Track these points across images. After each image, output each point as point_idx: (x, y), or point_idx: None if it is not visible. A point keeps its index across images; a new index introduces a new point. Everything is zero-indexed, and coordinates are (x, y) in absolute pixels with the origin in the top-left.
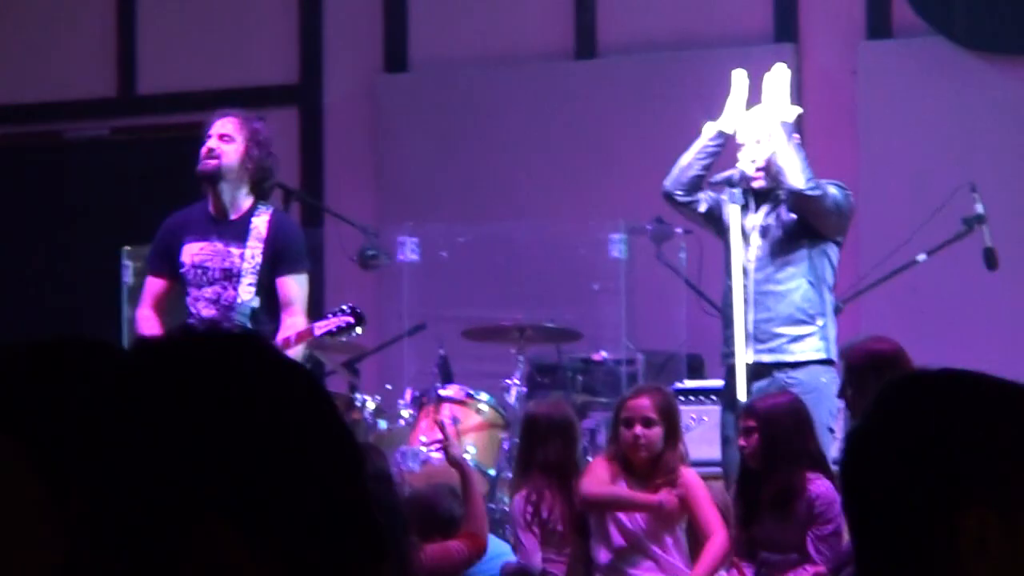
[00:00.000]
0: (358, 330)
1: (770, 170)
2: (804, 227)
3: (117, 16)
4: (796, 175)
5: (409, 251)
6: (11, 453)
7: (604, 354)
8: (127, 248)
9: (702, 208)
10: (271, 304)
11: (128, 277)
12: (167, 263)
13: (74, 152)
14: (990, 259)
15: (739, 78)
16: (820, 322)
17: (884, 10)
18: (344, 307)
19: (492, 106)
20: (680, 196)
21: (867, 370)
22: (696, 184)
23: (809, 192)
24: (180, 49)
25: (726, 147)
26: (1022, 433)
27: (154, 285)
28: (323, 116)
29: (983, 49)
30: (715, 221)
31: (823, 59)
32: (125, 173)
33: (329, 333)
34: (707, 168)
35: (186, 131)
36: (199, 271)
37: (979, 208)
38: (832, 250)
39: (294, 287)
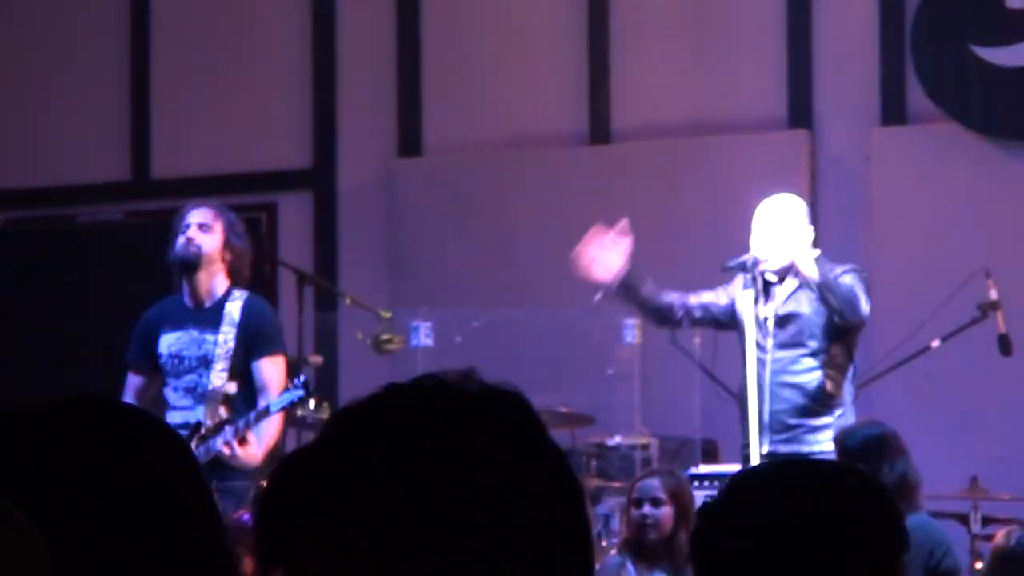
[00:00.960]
0: (310, 403)
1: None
2: (814, 313)
3: (132, 99)
4: (859, 307)
5: (423, 336)
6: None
7: (618, 439)
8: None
9: (717, 310)
10: (250, 390)
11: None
12: (146, 356)
13: (88, 236)
14: (1004, 345)
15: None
16: (838, 412)
17: (898, 96)
18: (295, 381)
19: (506, 191)
20: (693, 318)
21: (861, 455)
22: (698, 309)
23: (865, 316)
24: (194, 133)
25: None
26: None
27: (134, 380)
28: (337, 200)
29: (998, 135)
30: (729, 317)
31: (837, 145)
32: (138, 257)
33: (283, 408)
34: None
35: None
36: (176, 360)
37: (993, 294)
38: (851, 338)
39: (268, 369)
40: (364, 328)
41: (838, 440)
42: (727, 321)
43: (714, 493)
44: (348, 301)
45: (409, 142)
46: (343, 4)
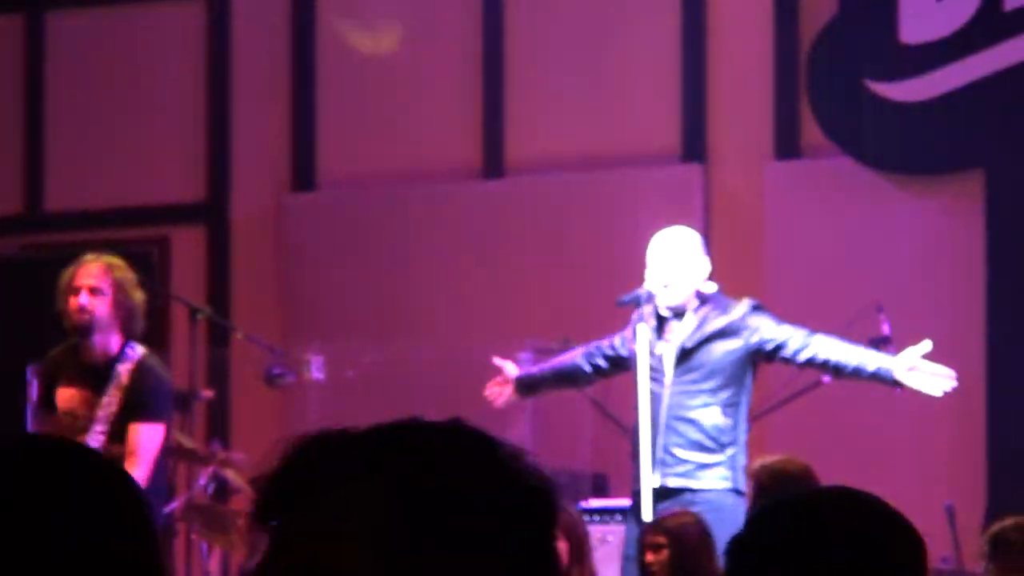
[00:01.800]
0: None
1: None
2: (723, 354)
3: (25, 133)
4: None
5: (315, 370)
6: None
7: None
8: (33, 366)
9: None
10: None
11: (35, 394)
12: (45, 406)
13: None
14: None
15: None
16: (730, 451)
17: (792, 130)
18: None
19: (399, 225)
20: (602, 369)
21: (776, 490)
22: (601, 359)
23: None
24: (89, 166)
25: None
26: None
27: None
28: (230, 234)
29: (891, 170)
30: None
31: (731, 179)
32: (32, 290)
33: None
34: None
35: (94, 249)
36: (69, 418)
37: (885, 329)
38: (748, 377)
39: (139, 436)
40: (257, 363)
41: (755, 475)
42: (631, 363)
43: (605, 527)
44: (240, 335)
45: (302, 176)
46: (237, 38)
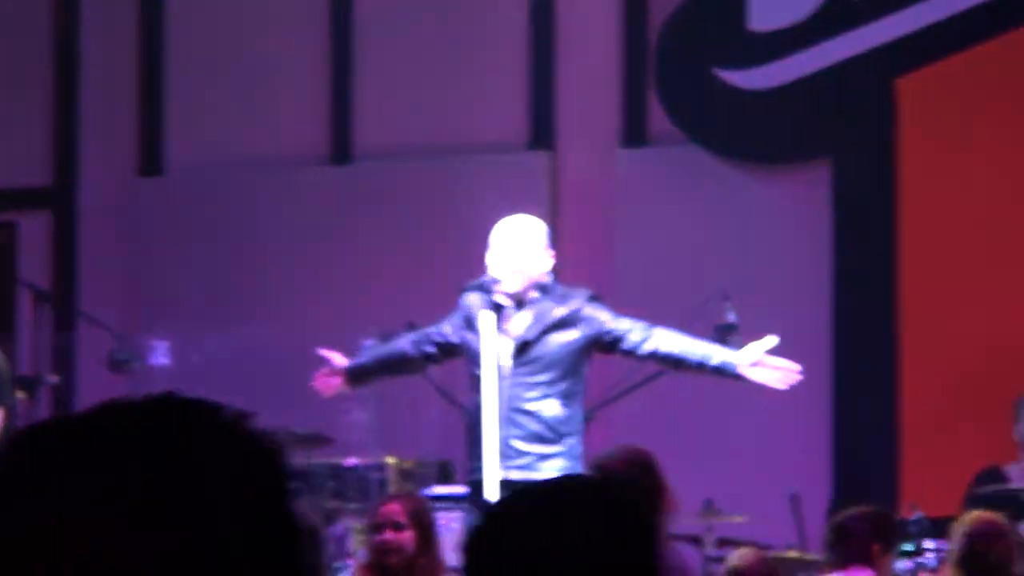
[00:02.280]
0: None
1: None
2: (561, 345)
3: None
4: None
5: (160, 355)
6: None
7: (354, 460)
8: None
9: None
10: None
11: None
12: None
13: None
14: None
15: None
16: (569, 442)
17: (640, 118)
18: None
19: (246, 210)
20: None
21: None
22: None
23: None
24: None
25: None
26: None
27: None
28: (77, 219)
29: (738, 158)
30: (462, 344)
31: (579, 167)
32: None
33: None
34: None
35: None
36: None
37: (731, 317)
38: (585, 366)
39: None
40: (102, 348)
41: (598, 464)
42: (461, 349)
43: (450, 514)
44: (86, 320)
45: (150, 161)
46: (86, 24)
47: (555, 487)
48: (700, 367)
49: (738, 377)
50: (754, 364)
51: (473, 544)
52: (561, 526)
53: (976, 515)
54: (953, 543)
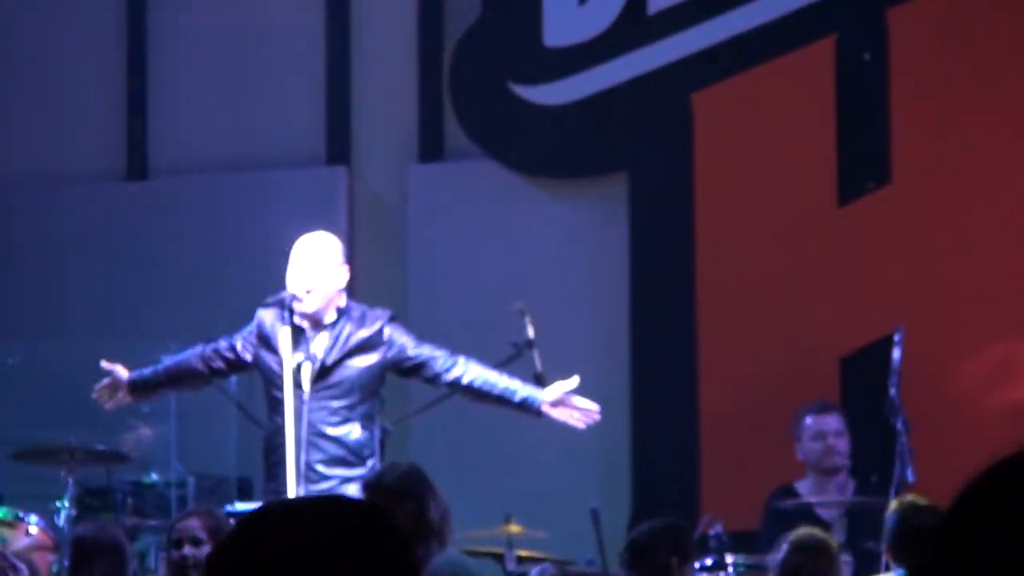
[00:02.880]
0: None
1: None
2: (362, 369)
3: None
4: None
5: None
6: None
7: (154, 476)
8: None
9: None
10: None
11: None
12: None
13: None
14: (540, 383)
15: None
16: (370, 463)
17: (436, 133)
18: None
19: (44, 225)
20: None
21: (404, 493)
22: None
23: None
24: None
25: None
26: None
27: None
28: None
29: (535, 173)
30: (253, 361)
31: (375, 182)
32: None
33: None
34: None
35: None
36: None
37: (529, 332)
38: (382, 386)
39: None
40: None
41: (370, 483)
42: (252, 365)
43: None
44: None
45: None
46: None
47: (314, 505)
48: (501, 401)
49: (539, 414)
50: (555, 403)
51: (217, 553)
52: (312, 543)
53: (802, 531)
54: (779, 558)
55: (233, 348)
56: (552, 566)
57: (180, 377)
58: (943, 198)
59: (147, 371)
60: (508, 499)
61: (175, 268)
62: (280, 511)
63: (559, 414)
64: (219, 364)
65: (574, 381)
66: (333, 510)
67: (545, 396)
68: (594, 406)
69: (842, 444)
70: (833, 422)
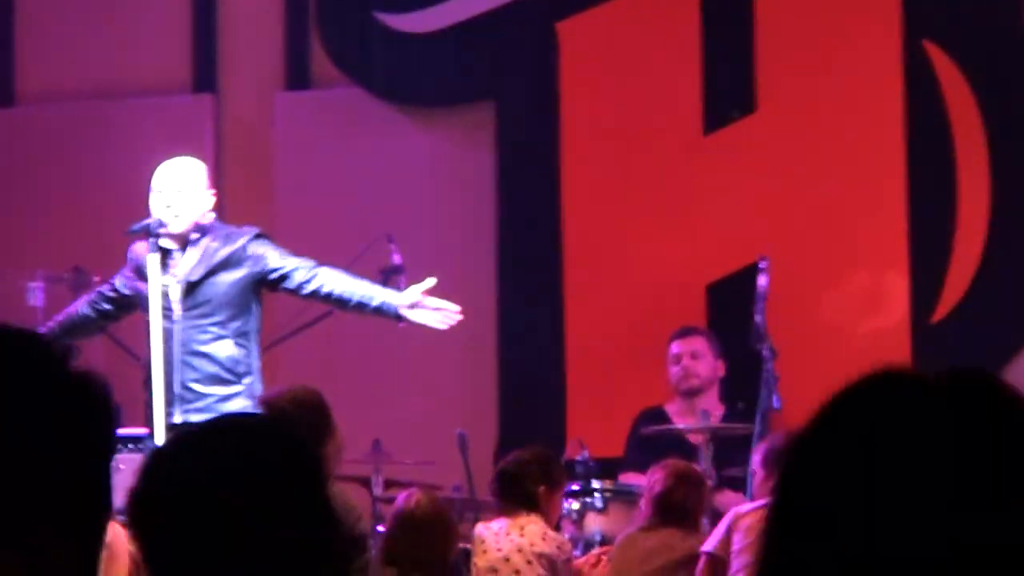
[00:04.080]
0: None
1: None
2: (230, 285)
3: None
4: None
5: None
6: None
7: None
8: None
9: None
10: None
11: None
12: None
13: None
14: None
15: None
16: (247, 380)
17: (302, 61)
18: None
19: None
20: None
21: (306, 419)
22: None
23: None
24: None
25: None
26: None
27: None
28: None
29: (401, 101)
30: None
31: (241, 110)
32: None
33: None
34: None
35: None
36: None
37: (396, 259)
38: (256, 305)
39: None
40: None
41: (266, 403)
42: (134, 299)
43: (116, 455)
44: None
45: None
46: None
47: (223, 425)
48: (361, 307)
49: (399, 317)
50: (414, 305)
51: (139, 482)
52: (228, 464)
53: (673, 463)
54: (649, 487)
55: (114, 287)
56: (419, 492)
57: (73, 327)
58: (808, 127)
59: (41, 330)
60: (375, 425)
61: (43, 197)
62: (188, 441)
63: (417, 316)
64: (106, 306)
65: (430, 282)
66: (242, 435)
67: (402, 299)
68: (454, 306)
69: (700, 366)
70: (690, 345)
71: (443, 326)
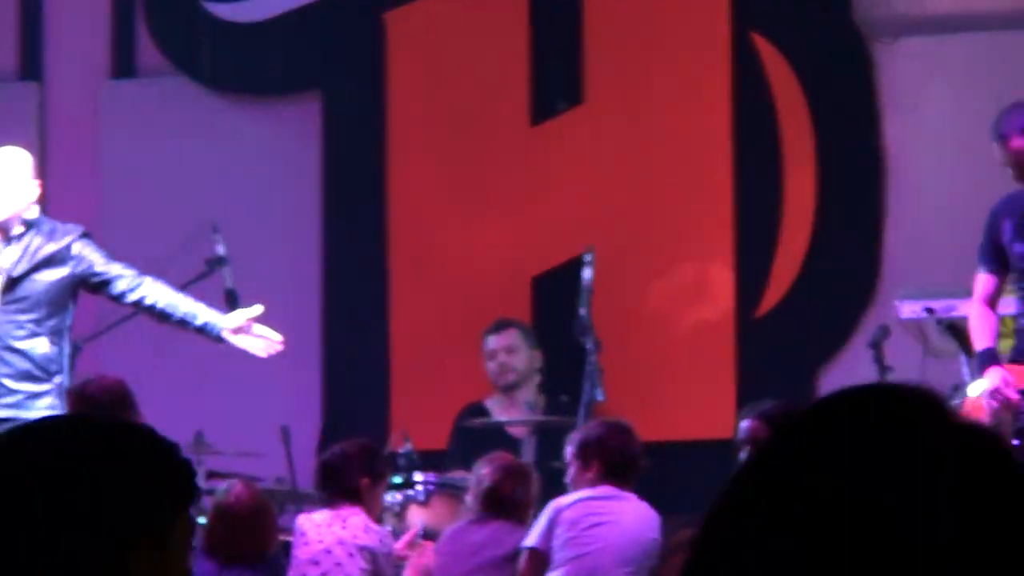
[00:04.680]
0: None
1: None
2: (51, 283)
3: None
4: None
5: None
6: None
7: None
8: None
9: None
10: None
11: None
12: None
13: None
14: (231, 300)
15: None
16: (57, 379)
17: (129, 49)
18: None
19: None
20: None
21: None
22: None
23: None
24: None
25: None
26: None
27: None
28: None
29: (228, 91)
30: None
31: (67, 99)
32: None
33: None
34: None
35: None
36: None
37: (220, 249)
38: (72, 304)
39: None
40: None
41: (78, 392)
42: None
43: None
44: None
45: None
46: None
47: (47, 427)
48: (183, 323)
49: (220, 340)
50: (238, 330)
51: None
52: (50, 467)
53: (500, 457)
54: (477, 482)
55: None
56: (241, 484)
57: None
58: (635, 119)
59: None
60: (198, 416)
61: None
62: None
63: (240, 341)
64: None
65: (257, 309)
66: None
67: (226, 323)
68: (277, 336)
69: (516, 360)
70: (505, 339)
71: (264, 354)
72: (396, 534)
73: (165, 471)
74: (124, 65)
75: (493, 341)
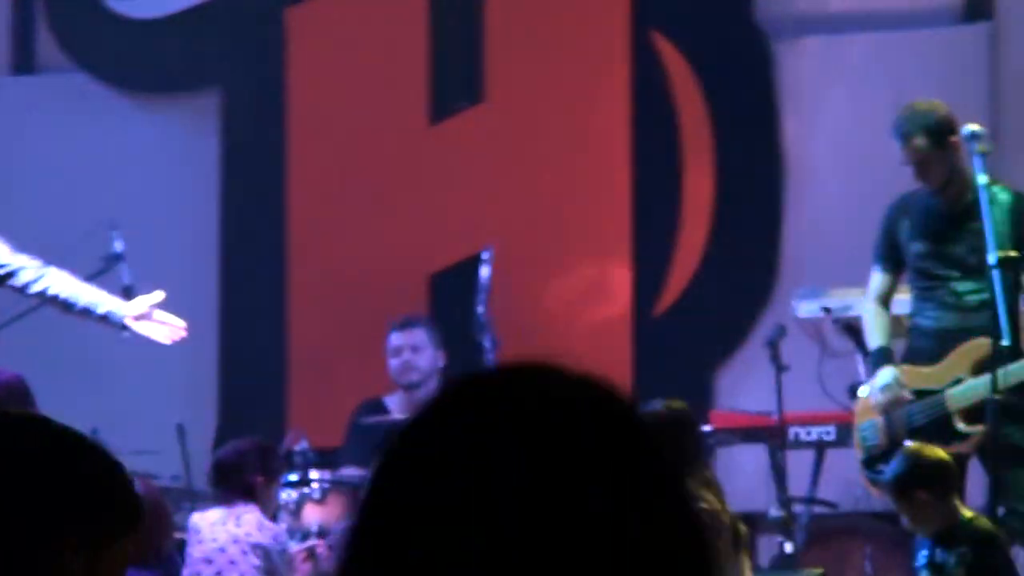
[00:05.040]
0: None
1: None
2: None
3: None
4: None
5: None
6: None
7: None
8: None
9: None
10: None
11: None
12: None
13: None
14: (129, 297)
15: None
16: None
17: (28, 45)
18: None
19: None
20: None
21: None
22: None
23: None
24: None
25: None
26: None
27: None
28: None
29: (127, 87)
30: None
31: None
32: None
33: None
34: None
35: None
36: None
37: (118, 246)
38: None
39: None
40: None
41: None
42: None
43: None
44: None
45: None
46: None
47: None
48: (86, 312)
49: (124, 328)
50: (140, 317)
51: None
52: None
53: None
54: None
55: None
56: (137, 481)
57: None
58: (535, 119)
59: None
60: (93, 413)
61: None
62: None
63: (143, 328)
64: None
65: (158, 295)
66: None
67: (129, 310)
68: (180, 322)
69: (421, 359)
70: (411, 337)
71: (168, 341)
72: (291, 532)
73: (104, 483)
74: (23, 60)
75: (398, 338)
